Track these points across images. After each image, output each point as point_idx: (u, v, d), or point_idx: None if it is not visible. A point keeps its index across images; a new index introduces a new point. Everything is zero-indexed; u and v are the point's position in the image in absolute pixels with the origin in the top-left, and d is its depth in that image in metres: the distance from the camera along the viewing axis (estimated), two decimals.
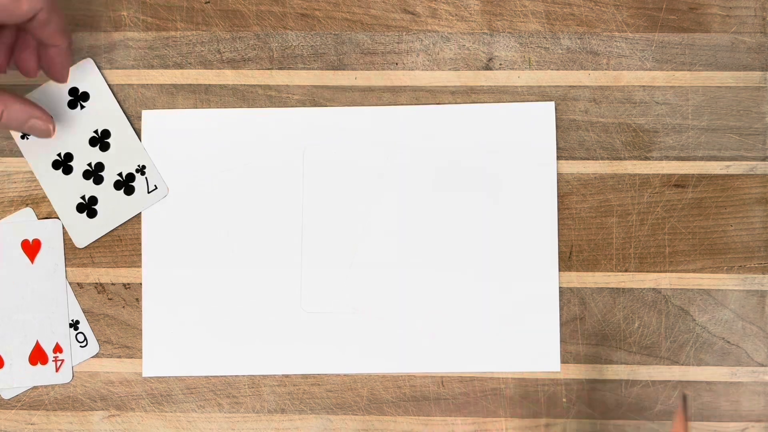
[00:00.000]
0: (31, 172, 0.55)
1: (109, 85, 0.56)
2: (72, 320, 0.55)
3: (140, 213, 0.55)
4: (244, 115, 0.56)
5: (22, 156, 0.55)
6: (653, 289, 0.55)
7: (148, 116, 0.56)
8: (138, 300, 0.55)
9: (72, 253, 0.55)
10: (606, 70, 0.55)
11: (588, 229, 0.55)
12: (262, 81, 0.56)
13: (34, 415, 0.55)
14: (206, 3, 0.56)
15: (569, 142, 0.55)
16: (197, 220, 0.55)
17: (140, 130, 0.56)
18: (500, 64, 0.56)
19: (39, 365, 0.55)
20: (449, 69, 0.56)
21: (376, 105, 0.56)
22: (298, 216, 0.55)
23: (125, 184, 0.55)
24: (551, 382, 0.54)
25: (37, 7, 0.47)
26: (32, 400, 0.55)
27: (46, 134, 0.53)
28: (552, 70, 0.55)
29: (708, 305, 0.54)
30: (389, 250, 0.55)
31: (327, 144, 0.55)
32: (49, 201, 0.55)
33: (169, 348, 0.55)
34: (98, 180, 0.55)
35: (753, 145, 0.55)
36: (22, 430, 0.55)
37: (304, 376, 0.54)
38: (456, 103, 0.55)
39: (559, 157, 0.55)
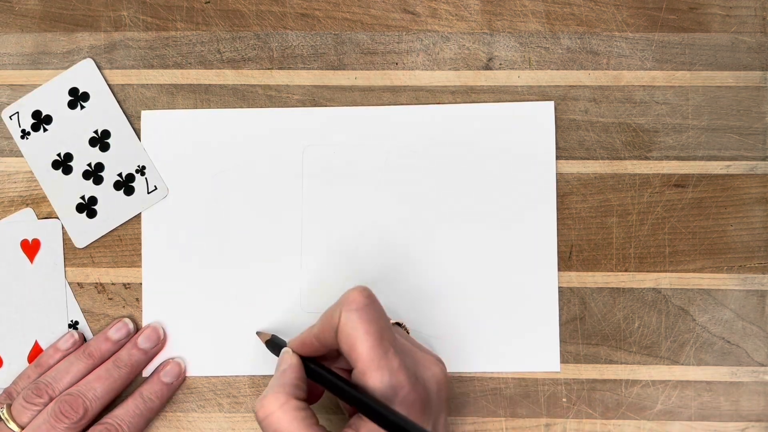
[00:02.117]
0: (31, 172, 0.55)
1: (109, 85, 0.56)
2: (71, 321, 0.55)
3: (140, 213, 0.55)
4: (244, 115, 0.56)
5: (22, 156, 0.55)
6: (653, 289, 0.55)
7: (147, 116, 0.56)
8: (138, 300, 0.55)
9: (72, 253, 0.55)
10: (606, 69, 0.55)
11: (588, 229, 0.55)
12: (262, 81, 0.56)
13: None
14: (206, 3, 0.56)
15: (569, 142, 0.55)
16: (197, 220, 0.55)
17: (140, 130, 0.56)
18: (500, 64, 0.56)
19: None
20: (449, 69, 0.56)
21: (376, 105, 0.56)
22: (298, 216, 0.55)
23: (125, 185, 0.55)
24: (551, 382, 0.54)
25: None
26: None
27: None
28: (552, 69, 0.55)
29: (708, 305, 0.54)
30: (389, 249, 0.55)
31: (327, 144, 0.55)
32: (49, 201, 0.55)
33: (168, 348, 0.55)
34: (98, 180, 0.55)
35: (753, 145, 0.55)
36: None
37: None
38: (456, 103, 0.55)
39: (559, 157, 0.55)
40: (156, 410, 0.53)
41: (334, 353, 0.49)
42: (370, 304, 0.45)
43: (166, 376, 0.53)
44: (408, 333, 0.52)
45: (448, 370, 0.49)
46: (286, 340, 0.51)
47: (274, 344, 0.51)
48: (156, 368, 0.54)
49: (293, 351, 0.48)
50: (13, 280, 0.55)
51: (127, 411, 0.52)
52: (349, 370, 0.46)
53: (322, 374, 0.47)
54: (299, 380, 0.47)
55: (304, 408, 0.45)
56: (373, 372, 0.44)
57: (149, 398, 0.53)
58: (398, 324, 0.52)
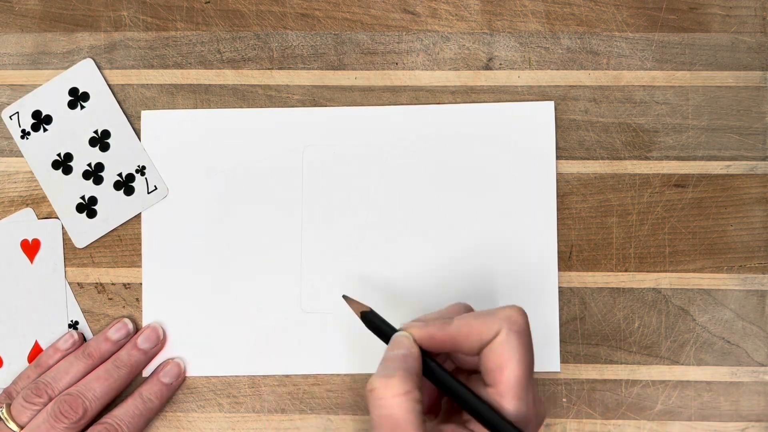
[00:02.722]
0: (31, 172, 0.55)
1: (109, 85, 0.56)
2: (71, 321, 0.55)
3: (140, 213, 0.55)
4: (244, 115, 0.56)
5: (22, 156, 0.55)
6: (653, 289, 0.55)
7: (147, 116, 0.56)
8: (138, 300, 0.55)
9: (72, 253, 0.55)
10: (606, 70, 0.55)
11: (588, 229, 0.55)
12: (262, 81, 0.56)
13: None
14: (206, 3, 0.56)
15: (569, 142, 0.55)
16: (197, 220, 0.55)
17: (140, 130, 0.56)
18: (500, 64, 0.56)
19: None
20: (449, 69, 0.56)
21: (376, 105, 0.56)
22: (298, 216, 0.55)
23: (125, 185, 0.55)
24: (551, 382, 0.54)
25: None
26: None
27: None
28: (552, 69, 0.55)
29: (708, 305, 0.54)
30: (389, 249, 0.55)
31: (327, 144, 0.55)
32: (49, 201, 0.55)
33: (168, 348, 0.55)
34: (98, 180, 0.55)
35: (753, 145, 0.55)
36: None
37: (304, 376, 0.54)
38: (456, 102, 0.55)
39: (559, 157, 0.55)
40: (155, 410, 0.53)
41: (445, 355, 0.46)
42: (528, 330, 0.44)
43: (166, 376, 0.54)
44: None
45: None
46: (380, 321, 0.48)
47: (371, 321, 0.47)
48: (156, 368, 0.54)
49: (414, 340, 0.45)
50: (13, 280, 0.55)
51: (126, 411, 0.52)
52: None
53: (445, 378, 0.44)
54: (420, 373, 0.44)
55: (421, 403, 0.43)
56: (513, 400, 0.43)
57: (149, 398, 0.53)
58: None
